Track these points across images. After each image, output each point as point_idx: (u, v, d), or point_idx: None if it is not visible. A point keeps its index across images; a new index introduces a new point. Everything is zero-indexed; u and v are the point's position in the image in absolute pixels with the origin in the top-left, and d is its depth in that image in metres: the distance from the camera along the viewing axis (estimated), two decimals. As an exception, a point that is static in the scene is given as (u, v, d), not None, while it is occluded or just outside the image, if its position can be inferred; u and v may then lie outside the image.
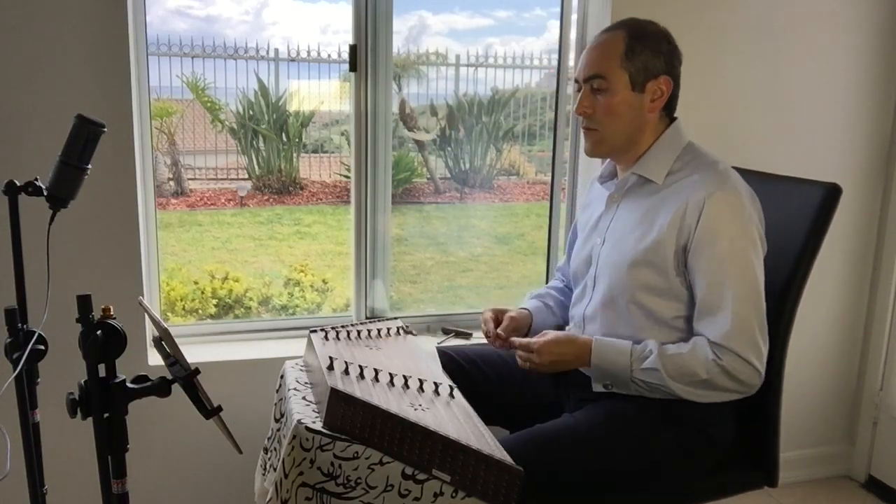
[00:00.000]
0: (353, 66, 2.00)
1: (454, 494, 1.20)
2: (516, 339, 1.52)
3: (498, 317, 1.64)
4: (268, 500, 1.29)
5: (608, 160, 1.61)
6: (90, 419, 1.09)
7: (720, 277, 1.37)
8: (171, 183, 3.98)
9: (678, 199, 1.41)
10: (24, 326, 1.22)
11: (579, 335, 1.50)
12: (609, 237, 1.53)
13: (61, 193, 1.22)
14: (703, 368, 1.36)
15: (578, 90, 1.50)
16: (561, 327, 1.69)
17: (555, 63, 2.22)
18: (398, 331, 1.72)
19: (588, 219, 1.64)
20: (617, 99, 1.44)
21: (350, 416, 1.22)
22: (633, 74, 1.43)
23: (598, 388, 1.47)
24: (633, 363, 1.41)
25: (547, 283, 2.31)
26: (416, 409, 1.30)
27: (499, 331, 1.59)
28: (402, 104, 3.58)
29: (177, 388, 1.13)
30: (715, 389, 1.38)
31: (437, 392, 1.40)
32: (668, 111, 1.51)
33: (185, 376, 1.11)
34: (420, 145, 3.98)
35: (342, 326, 1.66)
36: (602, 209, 1.58)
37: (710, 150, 1.52)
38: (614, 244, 1.51)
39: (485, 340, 1.64)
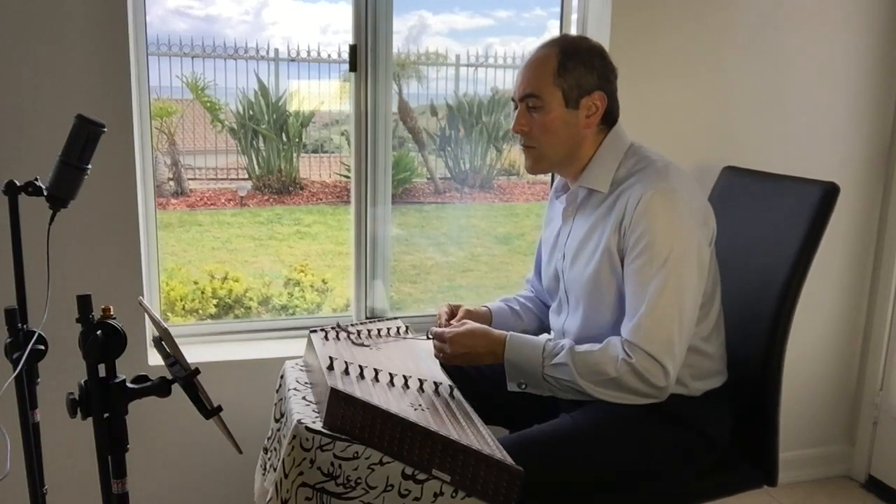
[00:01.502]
0: (353, 66, 2.00)
1: (454, 494, 1.20)
2: (433, 328, 1.52)
3: (453, 310, 1.64)
4: (268, 500, 1.29)
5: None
6: (90, 419, 1.09)
7: (643, 277, 1.36)
8: (171, 183, 3.97)
9: (620, 204, 1.41)
10: (24, 326, 1.22)
11: (495, 331, 1.48)
12: (568, 252, 1.54)
13: (61, 193, 1.22)
14: (612, 367, 1.35)
15: (515, 108, 1.50)
16: (529, 333, 1.67)
17: (555, 63, 2.22)
18: (398, 331, 1.72)
19: (550, 234, 1.65)
20: (551, 116, 1.44)
21: (350, 416, 1.22)
22: (566, 91, 1.43)
23: (512, 387, 1.45)
24: (544, 359, 1.40)
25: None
26: (416, 409, 1.30)
27: (453, 322, 1.59)
28: (403, 104, 3.58)
29: (177, 388, 1.13)
30: (623, 390, 1.36)
31: (437, 392, 1.40)
32: (608, 123, 1.50)
33: (185, 376, 1.11)
34: (420, 145, 3.98)
35: (342, 326, 1.66)
36: (560, 223, 1.59)
37: (653, 148, 1.51)
38: (573, 258, 1.51)
39: None
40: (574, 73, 1.43)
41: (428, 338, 1.54)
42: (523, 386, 1.45)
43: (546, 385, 1.42)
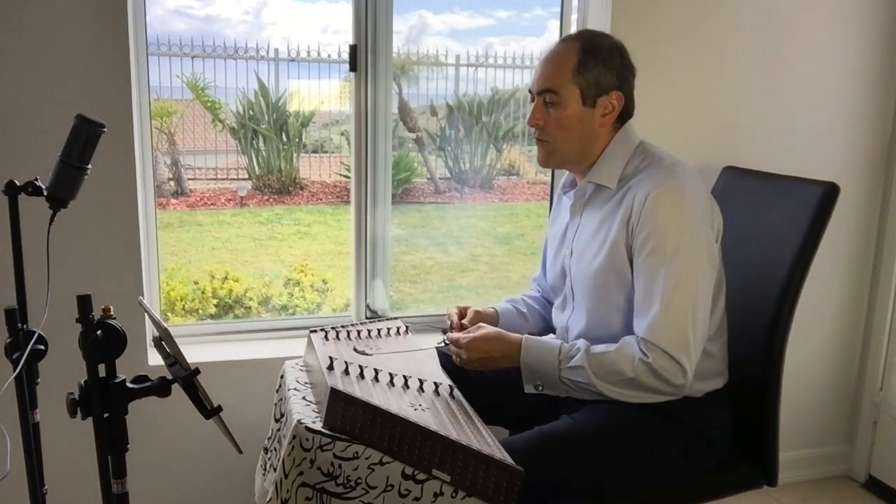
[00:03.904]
0: (353, 66, 2.00)
1: (454, 494, 1.20)
2: (450, 334, 1.52)
3: (462, 312, 1.64)
4: (268, 500, 1.29)
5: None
6: (90, 419, 1.09)
7: (655, 274, 1.36)
8: (171, 183, 3.97)
9: (627, 202, 1.41)
10: (24, 326, 1.21)
11: (510, 334, 1.48)
12: (576, 248, 1.54)
13: (61, 193, 1.22)
14: (629, 367, 1.35)
15: (532, 100, 1.50)
16: (534, 334, 1.67)
17: (555, 63, 2.22)
18: (398, 331, 1.72)
19: (557, 231, 1.65)
20: (567, 113, 1.45)
21: (350, 416, 1.22)
22: (584, 89, 1.44)
23: (529, 388, 1.45)
24: (560, 362, 1.40)
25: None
26: (416, 409, 1.30)
27: (464, 321, 1.59)
28: (402, 104, 3.58)
29: (177, 388, 1.13)
30: (640, 389, 1.37)
31: (437, 392, 1.40)
32: (621, 122, 1.51)
33: (185, 376, 1.11)
34: (420, 145, 3.98)
35: (342, 326, 1.66)
36: (568, 219, 1.59)
37: (661, 147, 1.51)
38: (581, 254, 1.51)
39: None
40: (593, 71, 1.43)
41: (444, 343, 1.54)
42: (540, 388, 1.45)
43: (563, 387, 1.42)
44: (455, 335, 1.50)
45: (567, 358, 1.40)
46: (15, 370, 1.12)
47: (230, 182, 4.17)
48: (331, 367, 1.37)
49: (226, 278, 3.13)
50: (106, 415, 1.09)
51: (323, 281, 3.37)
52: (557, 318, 1.63)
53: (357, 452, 1.21)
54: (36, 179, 1.21)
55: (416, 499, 1.20)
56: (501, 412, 1.61)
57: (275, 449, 1.50)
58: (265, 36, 3.71)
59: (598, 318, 1.48)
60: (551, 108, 1.46)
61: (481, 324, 1.52)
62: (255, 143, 4.00)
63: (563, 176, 1.67)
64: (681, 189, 1.38)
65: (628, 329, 1.44)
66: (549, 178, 2.26)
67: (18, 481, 1.20)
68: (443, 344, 1.57)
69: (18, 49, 1.65)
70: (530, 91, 1.52)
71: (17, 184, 1.20)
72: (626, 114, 1.50)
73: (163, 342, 1.18)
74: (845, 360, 2.49)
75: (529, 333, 1.58)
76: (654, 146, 1.51)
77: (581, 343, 1.41)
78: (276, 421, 1.53)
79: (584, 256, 1.50)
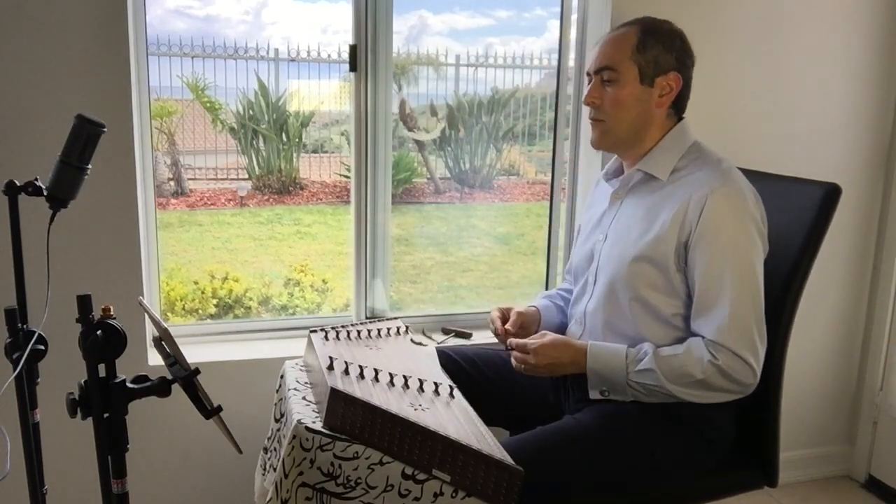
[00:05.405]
0: (353, 66, 2.00)
1: (454, 494, 1.20)
2: (513, 340, 1.52)
3: (504, 314, 1.63)
4: (268, 500, 1.29)
5: (614, 157, 1.62)
6: (90, 419, 1.09)
7: (718, 274, 1.37)
8: (171, 183, 3.97)
9: (681, 196, 1.41)
10: (24, 326, 1.21)
11: (575, 340, 1.49)
12: (612, 233, 1.53)
13: (61, 193, 1.22)
14: (698, 369, 1.36)
15: (589, 82, 1.51)
16: (566, 326, 1.68)
17: (555, 63, 2.22)
18: (398, 331, 1.72)
19: (591, 217, 1.65)
20: (625, 91, 1.45)
21: (350, 416, 1.22)
22: (642, 67, 1.45)
23: (594, 395, 1.46)
24: (628, 365, 1.41)
25: (547, 283, 2.31)
26: (416, 409, 1.30)
27: (507, 327, 1.59)
28: (402, 104, 3.58)
29: (177, 388, 1.13)
30: (710, 390, 1.38)
31: (437, 392, 1.40)
32: (677, 110, 1.52)
33: (185, 376, 1.11)
34: (420, 145, 3.98)
35: (342, 326, 1.66)
36: (606, 206, 1.59)
37: (715, 149, 1.52)
38: (616, 240, 1.51)
39: (484, 341, 1.63)
40: (653, 50, 1.44)
41: (504, 343, 1.52)
42: (606, 393, 1.45)
43: (630, 391, 1.42)
44: (521, 340, 1.49)
45: (635, 361, 1.40)
46: (15, 370, 1.12)
47: (230, 182, 4.17)
48: (331, 367, 1.37)
49: (226, 278, 3.13)
50: (106, 415, 1.09)
51: (323, 281, 3.37)
52: (576, 306, 1.62)
53: (357, 452, 1.21)
54: (36, 179, 1.21)
55: (416, 499, 1.20)
56: (501, 412, 1.61)
57: (275, 449, 1.50)
58: (265, 36, 3.71)
59: (619, 306, 1.47)
60: (608, 87, 1.47)
61: (546, 332, 1.53)
62: (255, 143, 4.00)
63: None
64: (740, 192, 1.39)
65: (648, 321, 1.44)
66: (548, 178, 2.26)
67: (18, 481, 1.20)
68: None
69: (18, 49, 1.65)
70: (588, 73, 1.53)
71: (17, 184, 1.20)
72: (682, 100, 1.50)
73: (163, 342, 1.19)
74: (845, 360, 2.49)
75: (563, 324, 1.60)
76: (708, 147, 1.52)
77: (648, 346, 1.41)
78: (276, 421, 1.53)
79: (621, 242, 1.49)
